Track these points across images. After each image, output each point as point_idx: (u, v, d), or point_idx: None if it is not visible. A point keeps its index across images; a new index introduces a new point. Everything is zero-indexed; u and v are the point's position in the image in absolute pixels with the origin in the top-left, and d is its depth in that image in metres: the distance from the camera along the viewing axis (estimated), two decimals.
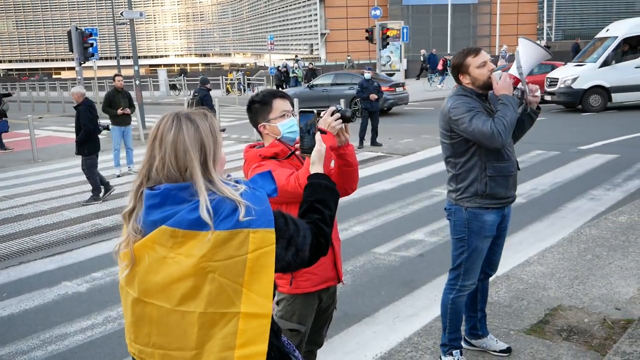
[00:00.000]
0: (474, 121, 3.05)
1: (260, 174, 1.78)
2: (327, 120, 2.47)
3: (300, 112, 2.26)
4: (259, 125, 2.67)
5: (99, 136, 9.13)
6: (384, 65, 26.16)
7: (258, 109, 2.66)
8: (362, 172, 9.86)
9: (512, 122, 3.06)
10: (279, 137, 2.62)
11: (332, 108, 2.52)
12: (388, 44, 24.85)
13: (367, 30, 25.97)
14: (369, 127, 12.68)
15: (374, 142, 12.67)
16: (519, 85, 3.22)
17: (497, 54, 34.05)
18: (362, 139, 12.68)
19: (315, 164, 2.01)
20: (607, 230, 6.02)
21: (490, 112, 3.15)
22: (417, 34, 41.05)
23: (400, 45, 27.79)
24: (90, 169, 8.89)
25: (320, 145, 2.06)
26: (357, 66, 30.75)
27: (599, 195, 7.59)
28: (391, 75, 24.72)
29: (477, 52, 3.20)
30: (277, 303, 2.80)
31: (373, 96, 12.48)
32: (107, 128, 9.36)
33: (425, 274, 5.28)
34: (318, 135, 2.14)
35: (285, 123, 2.60)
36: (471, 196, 3.24)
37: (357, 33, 34.83)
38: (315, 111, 2.26)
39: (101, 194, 9.00)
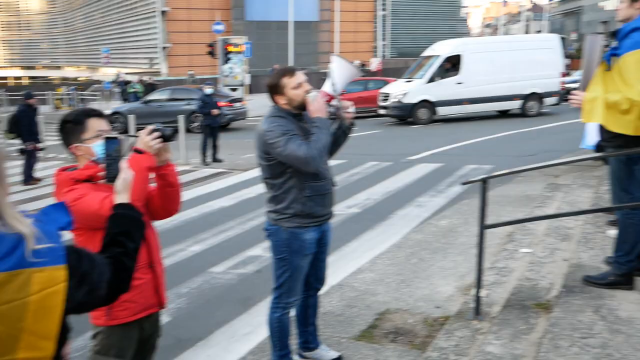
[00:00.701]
0: (288, 145, 3.05)
1: (53, 205, 1.63)
2: (145, 139, 2.42)
3: (105, 138, 2.16)
4: (71, 146, 2.52)
5: None
6: (227, 76, 26.04)
7: (70, 128, 2.52)
8: (202, 190, 9.69)
9: (325, 145, 3.11)
10: (94, 159, 2.48)
11: (151, 127, 2.47)
12: (230, 59, 24.85)
13: (209, 45, 25.77)
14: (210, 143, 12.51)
15: (215, 158, 12.53)
16: (333, 102, 3.24)
17: None
18: (204, 155, 12.47)
19: (121, 193, 1.92)
20: (431, 234, 6.52)
21: (306, 132, 3.17)
22: (260, 50, 41.52)
23: (243, 60, 27.91)
24: None
25: (125, 174, 1.98)
26: (199, 81, 30.31)
27: (425, 202, 8.20)
28: (234, 90, 24.70)
29: (292, 73, 3.19)
30: (94, 337, 2.62)
31: (215, 111, 12.35)
32: None
33: (263, 289, 5.23)
34: (124, 163, 2.07)
35: (100, 144, 2.46)
36: (290, 217, 3.26)
37: (199, 47, 34.26)
38: (120, 137, 2.17)
39: None
